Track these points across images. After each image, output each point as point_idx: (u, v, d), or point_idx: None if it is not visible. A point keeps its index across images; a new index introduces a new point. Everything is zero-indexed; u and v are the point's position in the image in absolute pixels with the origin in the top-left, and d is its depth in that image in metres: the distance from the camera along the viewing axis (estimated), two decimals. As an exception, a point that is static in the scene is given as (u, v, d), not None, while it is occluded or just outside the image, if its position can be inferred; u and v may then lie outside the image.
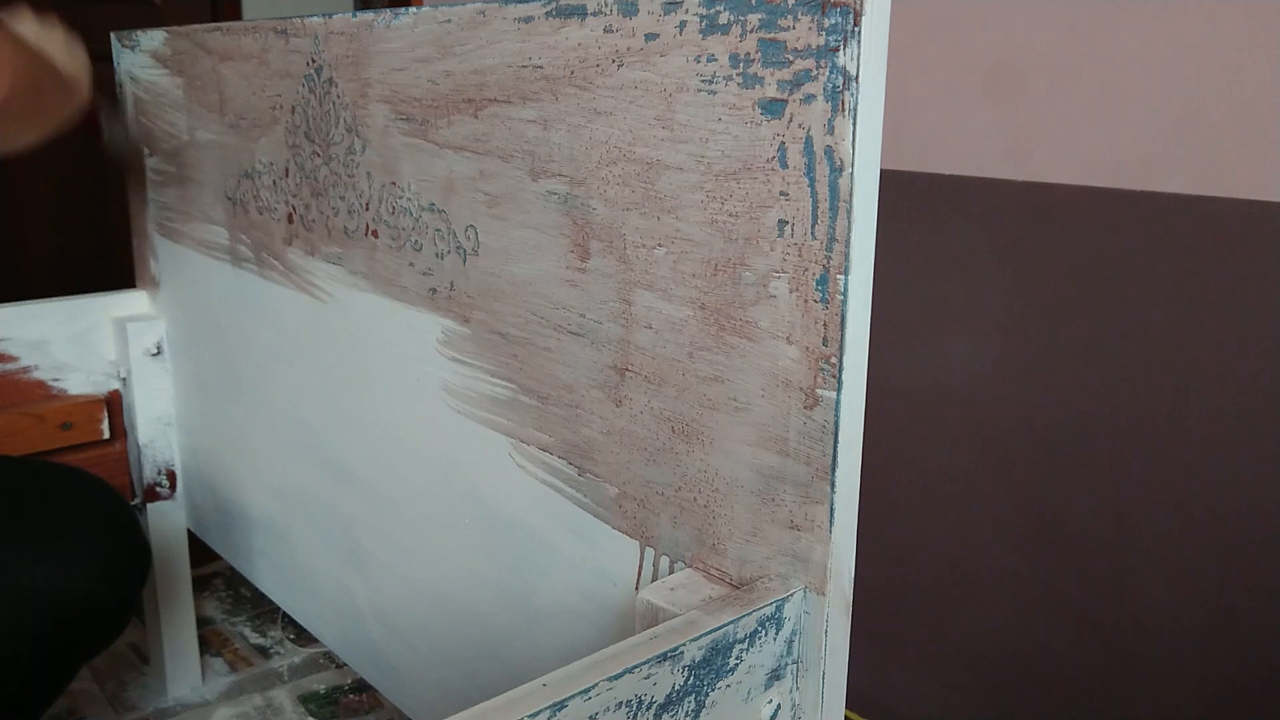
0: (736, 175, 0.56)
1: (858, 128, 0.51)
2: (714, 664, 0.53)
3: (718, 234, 0.57)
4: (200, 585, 1.59)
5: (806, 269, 0.54)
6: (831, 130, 0.51)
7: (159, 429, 1.28)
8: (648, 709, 0.51)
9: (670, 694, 0.52)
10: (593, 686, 0.48)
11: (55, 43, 0.95)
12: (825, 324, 0.53)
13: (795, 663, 0.58)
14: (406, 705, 0.96)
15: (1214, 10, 0.95)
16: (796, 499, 0.57)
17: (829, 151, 0.51)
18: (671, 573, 0.65)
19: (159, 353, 1.26)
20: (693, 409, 0.61)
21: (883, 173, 0.52)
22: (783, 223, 0.54)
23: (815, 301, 0.54)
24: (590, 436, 0.69)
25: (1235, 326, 0.97)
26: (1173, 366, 1.01)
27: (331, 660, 1.48)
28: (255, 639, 1.54)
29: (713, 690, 0.54)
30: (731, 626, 0.54)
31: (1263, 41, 0.93)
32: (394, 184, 0.82)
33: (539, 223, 0.69)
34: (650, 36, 0.59)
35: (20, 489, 1.00)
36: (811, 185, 0.52)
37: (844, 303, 0.52)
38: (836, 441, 0.54)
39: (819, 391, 0.54)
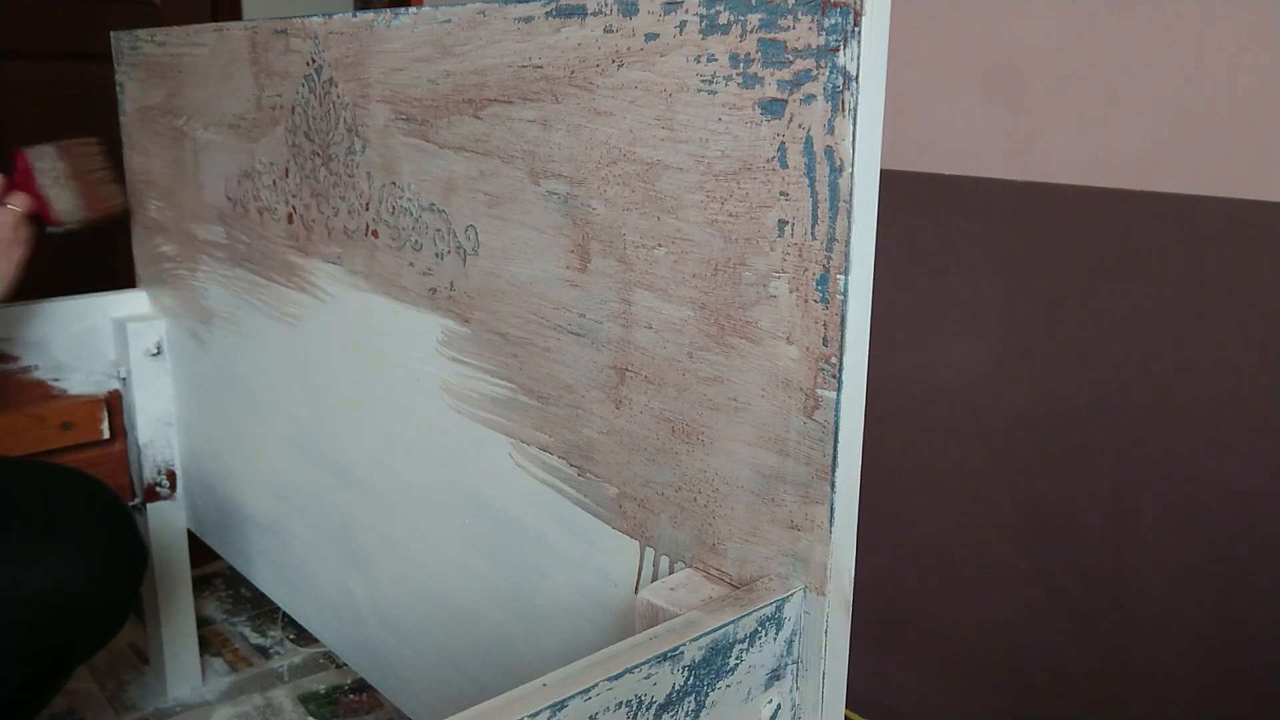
0: (736, 175, 0.56)
1: (858, 128, 0.51)
2: (714, 664, 0.53)
3: (718, 234, 0.57)
4: (200, 585, 1.59)
5: (806, 269, 0.54)
6: (831, 130, 0.51)
7: (159, 429, 1.28)
8: (648, 709, 0.51)
9: (670, 694, 0.52)
10: (593, 686, 0.48)
11: None
12: (825, 324, 0.53)
13: (795, 663, 0.58)
14: (406, 705, 0.96)
15: (1214, 10, 0.95)
16: (796, 499, 0.57)
17: (829, 151, 0.51)
18: (671, 573, 0.65)
19: (159, 353, 1.26)
20: (693, 409, 0.61)
21: (883, 173, 0.52)
22: (783, 223, 0.54)
23: (815, 301, 0.54)
24: (590, 436, 0.69)
25: (1235, 326, 0.97)
26: (1172, 366, 1.01)
27: (331, 660, 1.48)
28: (255, 639, 1.54)
29: (713, 690, 0.54)
30: (731, 626, 0.54)
31: (1262, 41, 0.93)
32: (394, 184, 0.82)
33: (539, 223, 0.69)
34: (650, 36, 0.59)
35: (15, 489, 0.99)
36: (811, 185, 0.52)
37: (844, 303, 0.52)
38: (836, 441, 0.54)
39: (819, 392, 0.54)
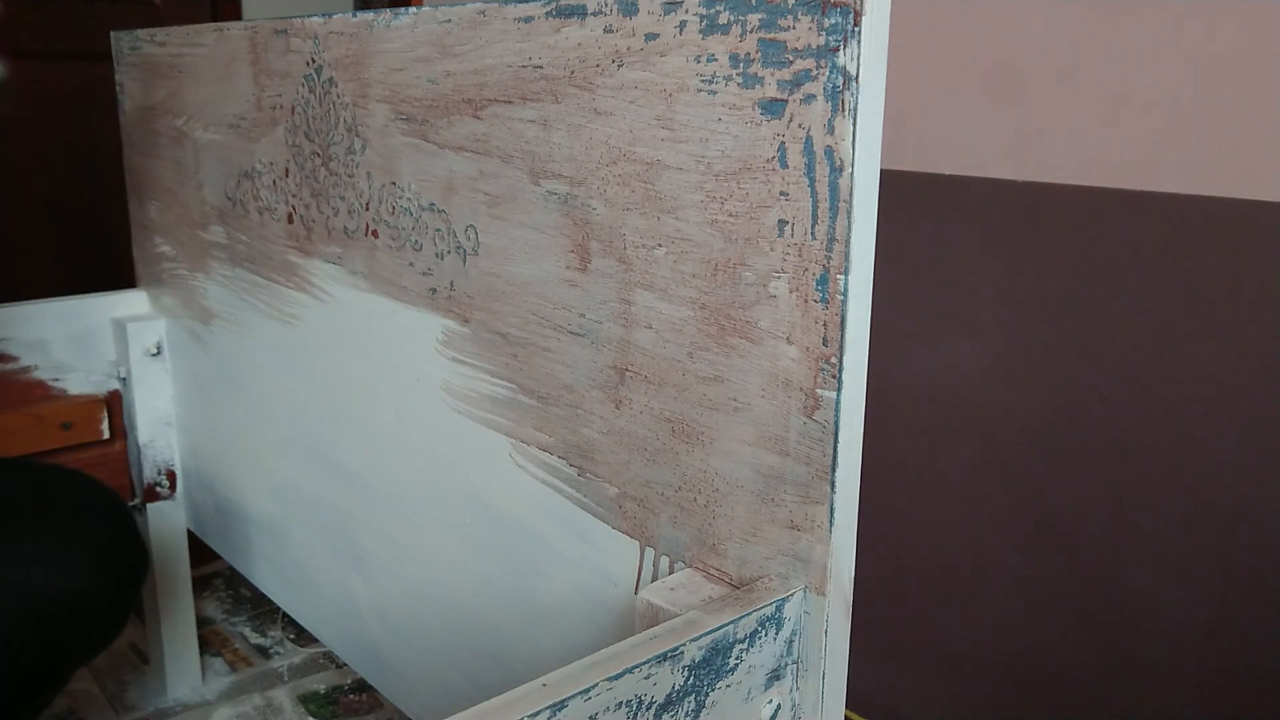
0: (736, 175, 0.56)
1: (858, 128, 0.51)
2: (714, 664, 0.53)
3: (718, 234, 0.57)
4: (200, 585, 1.59)
5: (806, 269, 0.54)
6: (831, 130, 0.51)
7: (159, 429, 1.28)
8: (648, 709, 0.51)
9: (670, 694, 0.52)
10: (593, 686, 0.48)
11: None
12: (825, 324, 0.53)
13: (795, 663, 0.58)
14: (406, 705, 0.96)
15: (1213, 10, 0.95)
16: (796, 499, 0.57)
17: (829, 151, 0.51)
18: (671, 573, 0.65)
19: (159, 353, 1.26)
20: (693, 409, 0.61)
21: (883, 173, 0.52)
22: (783, 223, 0.54)
23: (815, 301, 0.54)
24: (590, 436, 0.69)
25: (1235, 326, 0.97)
26: (1172, 366, 1.01)
27: (331, 660, 1.48)
28: (255, 639, 1.54)
29: (713, 690, 0.54)
30: (731, 626, 0.54)
31: (1262, 41, 0.93)
32: (394, 184, 0.82)
33: (539, 223, 0.69)
34: (650, 36, 0.59)
35: (16, 490, 0.99)
36: (811, 185, 0.52)
37: (844, 303, 0.52)
38: (836, 441, 0.54)
39: (819, 392, 0.54)
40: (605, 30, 0.61)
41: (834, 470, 0.55)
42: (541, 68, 0.66)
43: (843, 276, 0.52)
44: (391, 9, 0.78)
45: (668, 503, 0.64)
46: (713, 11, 0.55)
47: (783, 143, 0.53)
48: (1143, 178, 1.01)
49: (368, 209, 0.85)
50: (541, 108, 0.67)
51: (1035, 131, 1.08)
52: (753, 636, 0.55)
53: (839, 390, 0.54)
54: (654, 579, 0.66)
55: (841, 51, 0.50)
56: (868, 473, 0.57)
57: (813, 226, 0.53)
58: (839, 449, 0.54)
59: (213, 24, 1.04)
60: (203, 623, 1.56)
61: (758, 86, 0.54)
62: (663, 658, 0.51)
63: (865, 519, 0.58)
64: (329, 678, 1.45)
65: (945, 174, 1.16)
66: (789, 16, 0.52)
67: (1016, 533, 1.15)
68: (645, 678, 0.50)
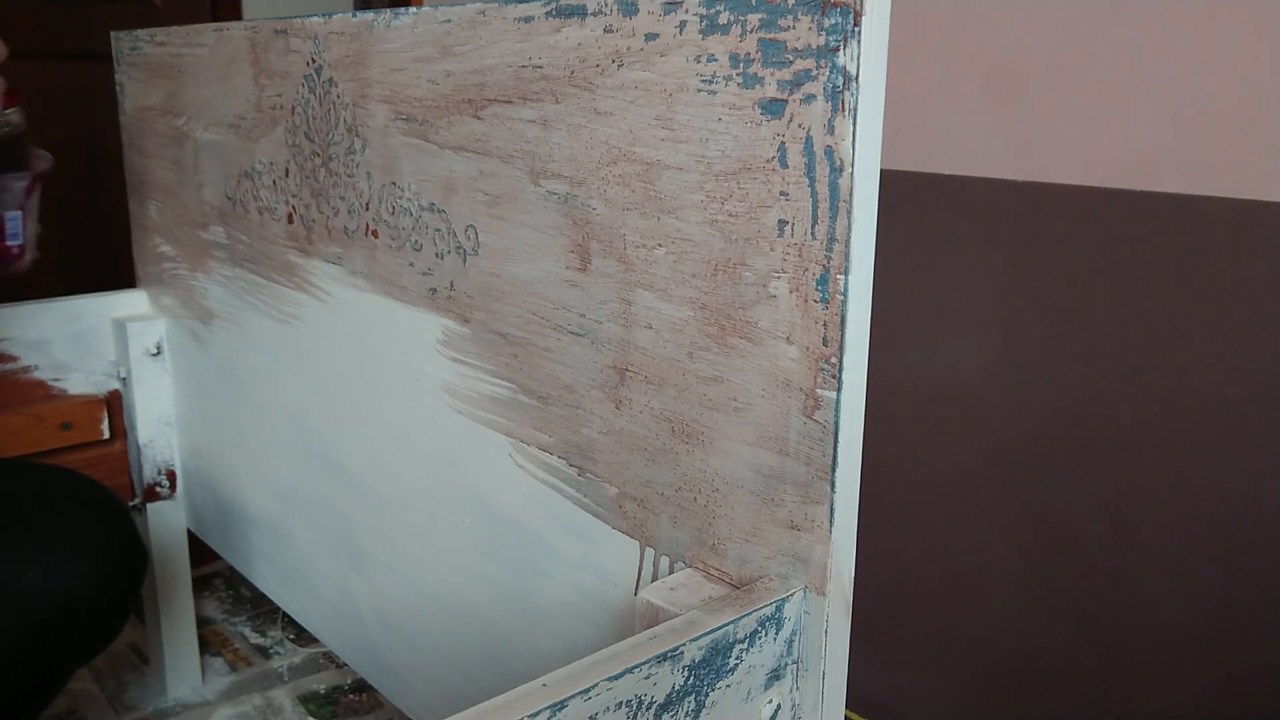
0: (736, 175, 0.56)
1: (858, 128, 0.51)
2: (714, 664, 0.53)
3: (718, 234, 0.57)
4: (200, 585, 1.59)
5: (806, 269, 0.54)
6: (831, 130, 0.51)
7: (159, 429, 1.28)
8: (648, 709, 0.51)
9: (670, 694, 0.52)
10: (593, 686, 0.48)
11: None
12: (825, 324, 0.53)
13: (795, 663, 0.58)
14: (406, 705, 0.96)
15: (1213, 10, 0.95)
16: (796, 499, 0.57)
17: (829, 151, 0.51)
18: (671, 573, 0.65)
19: (159, 353, 1.26)
20: (693, 409, 0.61)
21: (883, 173, 0.52)
22: (783, 223, 0.54)
23: (815, 301, 0.54)
24: (590, 436, 0.69)
25: (1235, 326, 0.97)
26: (1172, 366, 1.01)
27: (331, 660, 1.48)
28: (255, 639, 1.54)
29: (713, 690, 0.54)
30: (731, 626, 0.54)
31: (1262, 41, 0.93)
32: (394, 184, 0.82)
33: (539, 223, 0.69)
34: (650, 36, 0.59)
35: (14, 491, 0.99)
36: (811, 185, 0.52)
37: (844, 303, 0.52)
38: (836, 442, 0.54)
39: (819, 392, 0.54)
40: (605, 30, 0.61)
41: (834, 470, 0.55)
42: (541, 68, 0.66)
43: (843, 276, 0.52)
44: (391, 9, 0.78)
45: (668, 503, 0.64)
46: (713, 11, 0.55)
47: (783, 143, 0.53)
48: (1143, 178, 1.01)
49: (368, 209, 0.85)
50: (541, 108, 0.67)
51: (1035, 131, 1.09)
52: (753, 636, 0.55)
53: (839, 390, 0.54)
54: (654, 579, 0.66)
55: (841, 51, 0.50)
56: (868, 473, 0.57)
57: (813, 226, 0.53)
58: (839, 449, 0.54)
59: (213, 24, 1.04)
60: (203, 623, 1.56)
61: (758, 86, 0.54)
62: (663, 658, 0.51)
63: (865, 519, 0.58)
64: (329, 678, 1.45)
65: (945, 174, 1.16)
66: (789, 16, 0.52)
67: (1016, 533, 1.15)
68: (645, 678, 0.50)
